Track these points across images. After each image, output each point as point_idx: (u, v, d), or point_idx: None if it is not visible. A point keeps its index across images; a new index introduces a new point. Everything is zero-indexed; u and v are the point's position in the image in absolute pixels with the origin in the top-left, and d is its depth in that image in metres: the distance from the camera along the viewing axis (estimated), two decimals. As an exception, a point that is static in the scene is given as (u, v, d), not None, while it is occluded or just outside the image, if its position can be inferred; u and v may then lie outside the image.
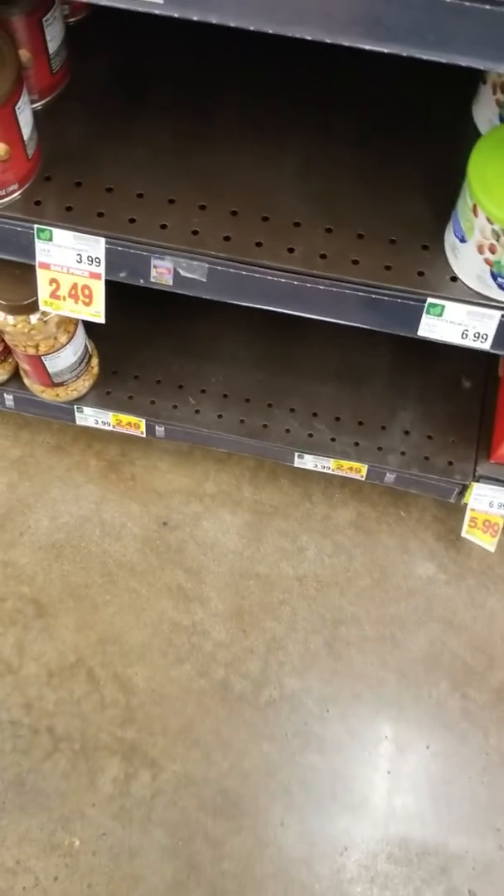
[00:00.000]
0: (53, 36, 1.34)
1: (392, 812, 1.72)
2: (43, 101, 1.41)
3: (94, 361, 1.82)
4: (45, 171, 1.34)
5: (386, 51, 0.88)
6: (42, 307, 1.42)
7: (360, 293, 1.28)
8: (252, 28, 0.89)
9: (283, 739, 1.78)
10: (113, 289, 1.37)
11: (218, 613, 1.90)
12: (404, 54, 0.88)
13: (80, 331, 1.69)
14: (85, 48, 1.45)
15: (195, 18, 0.89)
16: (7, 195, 1.30)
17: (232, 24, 0.89)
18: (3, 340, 1.72)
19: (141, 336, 1.88)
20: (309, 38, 0.89)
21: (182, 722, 1.79)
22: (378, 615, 1.90)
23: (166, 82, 1.46)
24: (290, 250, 1.29)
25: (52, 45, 1.35)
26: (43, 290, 1.39)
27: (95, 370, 1.83)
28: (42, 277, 1.37)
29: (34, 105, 1.36)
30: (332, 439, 1.79)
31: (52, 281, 1.37)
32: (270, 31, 0.89)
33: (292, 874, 1.66)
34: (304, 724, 1.79)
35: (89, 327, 1.73)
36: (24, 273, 1.48)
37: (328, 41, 0.89)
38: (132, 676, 1.83)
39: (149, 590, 1.92)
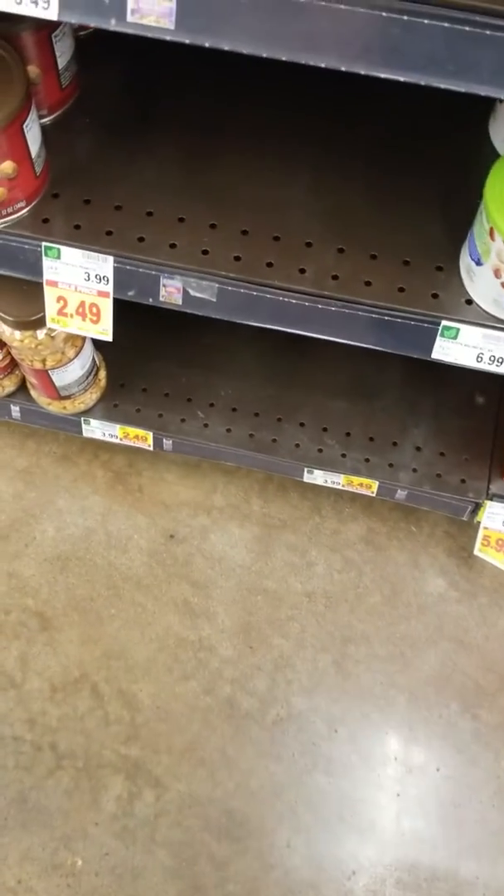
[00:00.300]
0: (63, 51, 1.31)
1: (401, 835, 1.69)
2: (52, 117, 1.38)
3: (102, 374, 1.79)
4: (54, 188, 1.32)
5: (403, 79, 0.85)
6: (49, 324, 1.39)
7: (372, 315, 1.25)
8: (265, 55, 0.87)
9: (290, 759, 1.76)
10: (121, 301, 1.35)
11: (225, 629, 1.87)
12: (422, 83, 0.85)
13: (88, 344, 1.67)
14: (94, 62, 1.42)
15: (207, 45, 0.87)
16: (15, 212, 1.28)
17: (245, 52, 0.86)
18: (9, 354, 1.69)
19: (149, 348, 1.86)
20: (323, 65, 0.86)
21: (187, 740, 1.77)
22: (388, 633, 1.87)
23: (176, 97, 1.44)
24: (302, 271, 1.26)
25: (62, 61, 1.32)
26: (50, 308, 1.37)
27: (103, 382, 1.80)
28: (49, 295, 1.35)
29: (42, 120, 1.34)
30: (343, 455, 1.77)
31: (60, 298, 1.35)
32: (284, 59, 0.86)
33: (298, 897, 1.64)
34: (311, 744, 1.77)
35: (97, 340, 1.71)
36: (32, 289, 1.46)
37: (343, 69, 0.86)
38: (137, 693, 1.81)
39: (155, 604, 1.90)
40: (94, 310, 1.35)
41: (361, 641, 1.87)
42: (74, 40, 1.34)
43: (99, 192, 1.32)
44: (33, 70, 1.27)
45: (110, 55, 1.46)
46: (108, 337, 1.38)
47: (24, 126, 1.20)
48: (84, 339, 1.63)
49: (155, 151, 1.37)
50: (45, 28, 1.26)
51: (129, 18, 0.86)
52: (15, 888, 1.63)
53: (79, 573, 1.93)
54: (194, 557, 1.95)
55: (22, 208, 1.29)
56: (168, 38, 0.87)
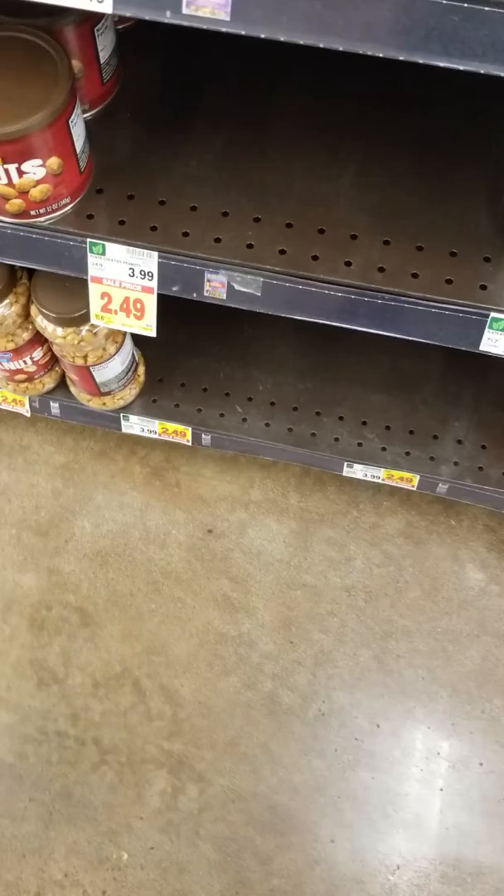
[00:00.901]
0: (105, 45, 1.31)
1: (445, 830, 1.69)
2: (93, 112, 1.38)
3: (141, 370, 1.79)
4: (97, 183, 1.32)
5: (462, 68, 0.84)
6: (93, 321, 1.39)
7: (419, 308, 1.24)
8: (322, 45, 0.86)
9: (333, 755, 1.75)
10: (159, 297, 1.34)
11: (265, 624, 1.87)
12: (482, 71, 0.84)
13: (128, 340, 1.66)
14: (134, 56, 1.42)
15: (262, 36, 0.86)
16: (59, 209, 1.28)
17: (301, 42, 0.85)
18: (50, 350, 1.70)
19: (187, 344, 1.86)
20: (381, 55, 0.85)
21: (229, 735, 1.77)
22: (429, 628, 1.86)
23: (217, 89, 1.43)
24: (348, 264, 1.25)
25: (104, 55, 1.32)
26: (94, 304, 1.37)
27: (142, 378, 1.80)
28: (94, 291, 1.35)
29: (84, 115, 1.33)
30: (383, 448, 1.76)
31: (104, 295, 1.35)
32: (340, 49, 0.85)
33: (343, 893, 1.64)
34: (353, 740, 1.76)
35: (136, 336, 1.71)
36: (74, 285, 1.46)
37: (402, 58, 0.85)
38: (178, 688, 1.81)
39: (194, 599, 1.90)
40: (139, 305, 1.35)
41: (402, 636, 1.86)
42: (115, 34, 1.34)
43: (142, 187, 1.32)
44: (76, 64, 1.27)
45: (149, 50, 1.46)
46: (152, 332, 1.38)
47: (70, 122, 1.19)
48: (124, 335, 1.63)
49: (197, 145, 1.36)
50: (87, 22, 1.25)
51: (185, 10, 0.86)
52: (62, 881, 1.64)
53: (118, 568, 1.93)
54: (233, 552, 1.95)
55: (66, 205, 1.29)
56: (223, 29, 0.86)
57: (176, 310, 1.50)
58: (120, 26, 1.44)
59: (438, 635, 1.86)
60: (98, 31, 1.28)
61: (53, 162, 1.21)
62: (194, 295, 1.32)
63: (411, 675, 1.82)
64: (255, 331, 1.88)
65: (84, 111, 1.35)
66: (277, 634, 1.86)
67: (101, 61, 1.33)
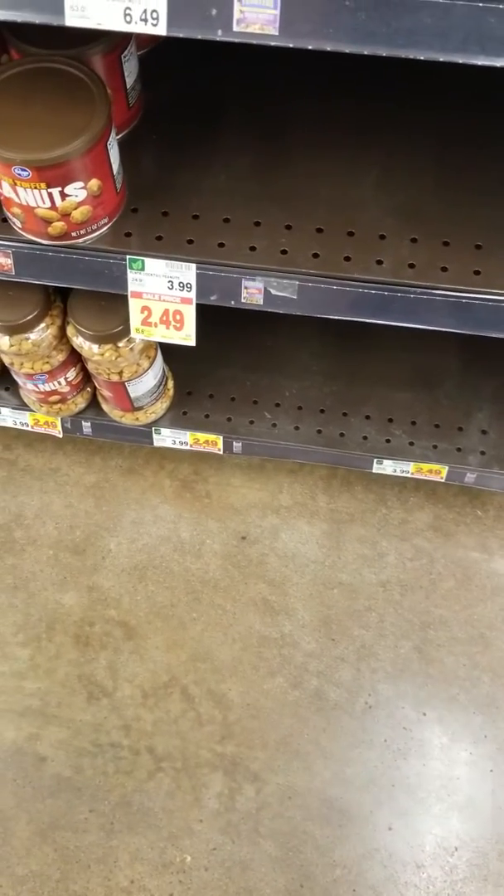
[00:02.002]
0: (130, 71, 1.38)
1: (499, 810, 1.73)
2: (121, 135, 1.44)
3: (170, 384, 1.85)
4: (132, 203, 1.38)
5: (500, 65, 0.90)
6: (133, 335, 1.45)
7: (450, 299, 1.30)
8: (366, 52, 0.92)
9: (383, 745, 1.79)
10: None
11: (305, 624, 1.91)
12: (519, 67, 0.90)
13: (159, 355, 1.72)
14: (155, 79, 1.48)
15: (310, 48, 0.92)
16: (98, 229, 1.34)
17: (346, 51, 0.92)
18: (83, 370, 1.75)
19: (212, 356, 1.91)
20: (422, 58, 0.91)
21: (280, 734, 1.80)
22: (465, 616, 1.91)
23: (237, 106, 1.50)
24: (379, 262, 1.31)
25: (130, 80, 1.39)
26: (135, 318, 1.42)
27: (171, 392, 1.86)
28: (134, 306, 1.40)
29: (115, 139, 1.39)
30: (411, 443, 1.81)
31: (144, 308, 1.40)
32: (384, 55, 0.92)
33: (405, 878, 1.67)
34: (402, 729, 1.81)
35: (163, 350, 1.76)
36: (109, 303, 1.52)
37: (441, 60, 0.91)
38: (226, 692, 1.85)
39: (234, 605, 1.94)
40: (178, 317, 1.41)
41: (440, 626, 1.91)
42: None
43: (175, 204, 1.38)
44: (107, 91, 1.33)
45: (168, 73, 1.53)
46: (192, 342, 1.44)
47: (108, 145, 1.25)
48: (156, 349, 1.69)
49: (224, 160, 1.42)
50: (115, 50, 1.32)
51: (235, 28, 0.92)
52: (129, 888, 1.67)
53: (157, 581, 1.97)
54: (267, 557, 1.99)
55: (105, 224, 1.34)
56: (272, 43, 0.92)
57: (198, 323, 1.56)
58: (139, 52, 1.51)
59: (475, 622, 1.91)
60: (125, 57, 1.34)
61: (94, 184, 1.26)
62: (232, 302, 1.38)
63: (452, 662, 1.87)
64: (277, 339, 1.93)
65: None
66: (318, 633, 1.90)
67: (128, 87, 1.39)
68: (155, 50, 1.54)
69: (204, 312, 1.42)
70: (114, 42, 1.31)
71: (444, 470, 1.80)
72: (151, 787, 1.76)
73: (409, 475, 1.85)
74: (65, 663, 1.89)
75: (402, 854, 1.70)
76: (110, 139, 1.26)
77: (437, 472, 1.81)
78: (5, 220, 1.35)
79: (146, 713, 1.83)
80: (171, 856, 1.70)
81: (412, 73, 1.47)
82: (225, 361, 1.92)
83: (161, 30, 0.94)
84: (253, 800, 1.75)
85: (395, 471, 1.84)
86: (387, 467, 1.83)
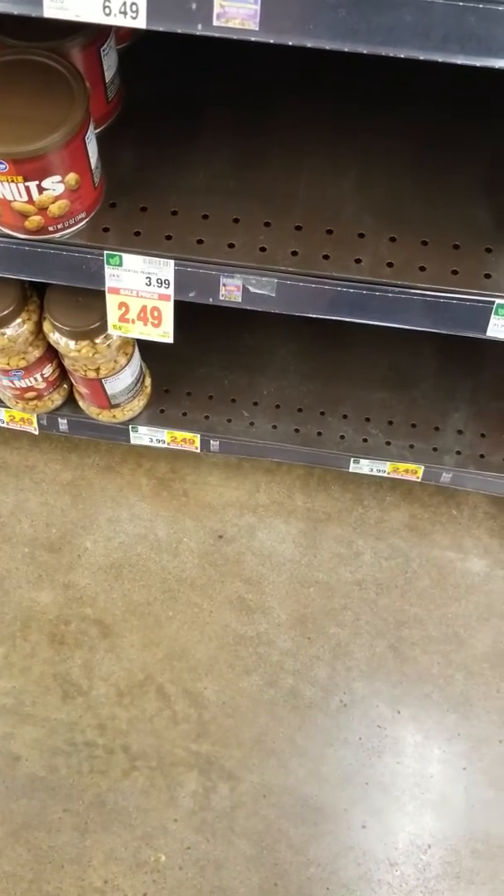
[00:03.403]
0: (110, 65, 1.37)
1: (472, 807, 1.74)
2: (99, 129, 1.43)
3: (148, 381, 1.84)
4: (110, 198, 1.37)
5: (479, 65, 0.91)
6: (111, 331, 1.44)
7: (428, 298, 1.30)
8: (346, 50, 0.92)
9: (358, 743, 1.80)
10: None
11: (281, 623, 1.91)
12: (497, 66, 0.91)
13: (137, 352, 1.71)
14: (134, 74, 1.47)
15: (290, 43, 0.92)
16: (76, 223, 1.33)
17: (327, 48, 0.92)
18: (59, 366, 1.74)
19: (190, 354, 1.91)
20: (402, 56, 0.91)
21: (255, 732, 1.80)
22: (440, 615, 1.92)
23: (217, 103, 1.49)
24: (358, 261, 1.31)
25: (108, 74, 1.38)
26: (112, 315, 1.41)
27: (149, 390, 1.85)
28: (111, 302, 1.39)
29: (93, 133, 1.38)
30: (387, 443, 1.82)
31: (122, 305, 1.40)
32: (364, 52, 0.92)
33: (379, 876, 1.68)
34: (376, 727, 1.81)
35: (141, 348, 1.76)
36: (86, 299, 1.51)
37: (421, 58, 0.91)
38: (202, 690, 1.85)
39: (210, 603, 1.94)
40: (156, 313, 1.40)
41: (415, 624, 1.91)
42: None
43: (154, 199, 1.37)
44: (85, 85, 1.32)
45: (147, 68, 1.52)
46: (170, 339, 1.43)
47: (86, 138, 1.25)
48: (134, 346, 1.68)
49: (203, 156, 1.42)
50: (94, 43, 1.31)
51: (215, 23, 0.91)
52: (102, 888, 1.66)
53: (133, 579, 1.96)
54: (244, 555, 1.99)
55: (82, 219, 1.34)
56: (252, 38, 0.92)
57: (177, 321, 1.55)
58: (118, 46, 1.50)
59: (449, 621, 1.92)
60: (104, 51, 1.34)
61: (71, 178, 1.26)
62: (210, 300, 1.37)
63: (426, 661, 1.88)
64: (255, 338, 1.93)
65: (92, 129, 1.40)
66: (294, 631, 1.90)
67: (107, 80, 1.38)
68: (135, 45, 1.53)
69: (182, 310, 1.41)
70: (93, 35, 1.30)
71: (421, 470, 1.81)
72: (126, 787, 1.75)
73: (385, 475, 1.85)
74: (39, 662, 1.87)
75: (375, 852, 1.70)
76: (88, 133, 1.25)
77: (413, 471, 1.81)
78: (-19, 213, 1.34)
79: (121, 712, 1.83)
80: (145, 855, 1.70)
81: (392, 72, 1.48)
82: (203, 360, 1.92)
83: (140, 23, 0.93)
84: (227, 798, 1.74)
85: (372, 470, 1.84)
86: (364, 467, 1.84)
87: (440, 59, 0.91)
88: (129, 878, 1.68)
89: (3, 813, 1.72)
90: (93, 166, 1.30)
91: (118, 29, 1.48)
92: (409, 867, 1.69)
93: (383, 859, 1.70)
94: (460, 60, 0.91)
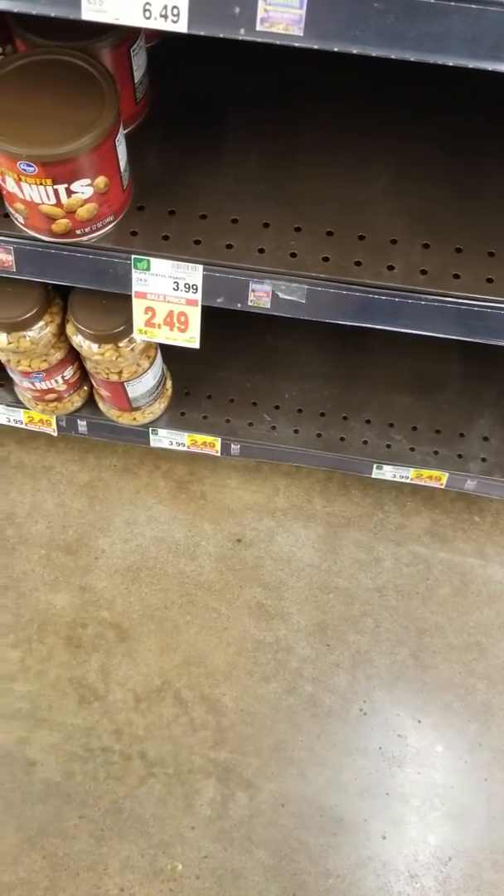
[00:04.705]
0: (139, 65, 1.34)
1: (493, 819, 1.72)
2: (127, 130, 1.40)
3: (168, 384, 1.82)
4: (138, 201, 1.35)
5: (530, 73, 0.88)
6: (136, 335, 1.42)
7: (462, 307, 1.28)
8: (393, 56, 0.89)
9: (377, 753, 1.78)
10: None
11: (300, 629, 1.89)
12: (549, 75, 0.88)
13: (159, 355, 1.69)
14: (162, 74, 1.44)
15: (335, 49, 0.90)
16: (104, 227, 1.30)
17: (373, 55, 0.89)
18: (80, 368, 1.71)
19: (211, 357, 1.87)
20: (451, 64, 0.89)
21: (274, 740, 1.78)
22: (461, 623, 1.90)
23: (246, 104, 1.47)
24: (391, 268, 1.29)
25: (138, 74, 1.35)
26: (138, 319, 1.39)
27: (169, 392, 1.83)
28: (138, 306, 1.37)
29: (121, 134, 1.36)
30: (411, 449, 1.79)
31: (148, 310, 1.37)
32: (412, 59, 0.89)
33: (399, 887, 1.66)
34: (397, 737, 1.79)
35: (161, 350, 1.73)
36: (110, 302, 1.49)
37: (471, 66, 0.89)
38: (220, 697, 1.83)
39: (229, 608, 1.92)
40: (183, 319, 1.38)
41: (436, 633, 1.89)
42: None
43: (182, 203, 1.35)
44: (114, 86, 1.30)
45: (175, 68, 1.49)
46: (196, 344, 1.41)
47: (116, 141, 1.22)
48: (156, 350, 1.66)
49: (231, 159, 1.40)
50: (124, 43, 1.29)
51: (259, 28, 0.89)
52: (119, 897, 1.65)
53: (151, 583, 1.94)
54: (263, 560, 1.97)
55: (110, 223, 1.31)
56: (297, 44, 0.90)
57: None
58: (147, 45, 1.47)
59: (471, 629, 1.90)
60: (133, 51, 1.31)
61: (101, 181, 1.23)
62: (238, 305, 1.35)
63: (448, 669, 1.86)
64: (277, 341, 1.91)
65: (120, 130, 1.37)
66: (314, 638, 1.88)
67: (136, 81, 1.36)
68: (162, 44, 1.51)
69: (203, 312, 1.39)
70: (124, 35, 1.27)
71: (445, 476, 1.78)
72: (143, 794, 1.74)
73: (408, 481, 1.83)
74: (56, 665, 1.85)
75: (395, 863, 1.68)
76: (119, 135, 1.23)
77: (437, 478, 1.79)
78: (7, 215, 1.32)
79: (138, 717, 1.81)
80: (162, 863, 1.68)
81: (424, 75, 1.44)
82: (224, 362, 1.89)
83: (182, 27, 0.90)
84: (246, 807, 1.72)
85: (395, 476, 1.82)
86: (387, 473, 1.81)
87: (490, 68, 0.88)
88: (146, 886, 1.66)
89: (19, 819, 1.71)
90: (122, 169, 1.27)
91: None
92: (429, 879, 1.67)
93: (403, 871, 1.68)
94: (511, 69, 0.88)
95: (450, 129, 1.43)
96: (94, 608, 1.92)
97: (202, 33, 0.91)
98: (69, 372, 1.70)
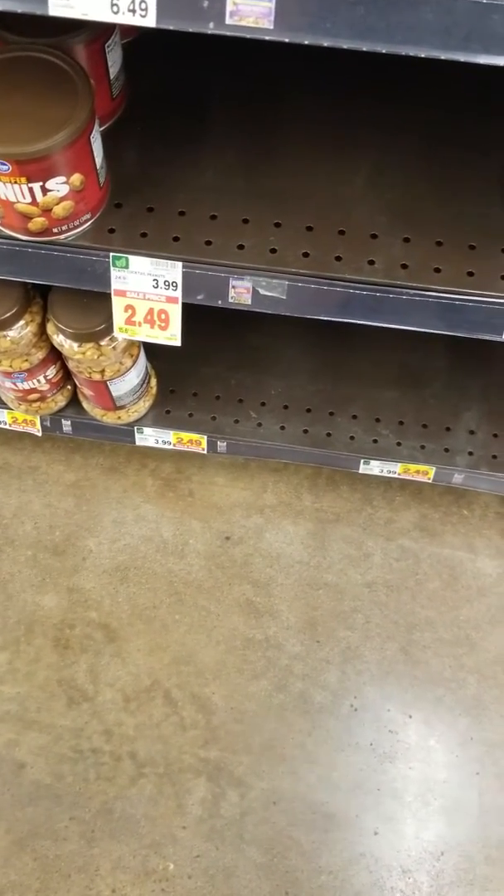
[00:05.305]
0: (114, 61, 1.33)
1: (485, 813, 1.71)
2: (104, 127, 1.39)
3: (153, 382, 1.81)
4: (115, 198, 1.33)
5: (503, 64, 0.87)
6: (116, 334, 1.40)
7: (443, 301, 1.27)
8: (364, 49, 0.88)
9: (369, 749, 1.77)
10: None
11: (290, 626, 1.89)
12: (522, 65, 0.87)
13: (143, 353, 1.68)
14: (139, 70, 1.43)
15: (306, 42, 0.88)
16: (80, 225, 1.29)
17: (344, 47, 0.88)
18: (63, 368, 1.70)
19: (196, 354, 1.87)
20: (423, 55, 0.88)
21: (265, 738, 1.78)
22: (451, 617, 1.89)
23: (225, 99, 1.45)
24: (371, 262, 1.28)
25: (113, 70, 1.34)
26: (118, 318, 1.38)
27: (154, 390, 1.81)
28: (118, 305, 1.36)
29: (97, 131, 1.34)
30: (398, 444, 1.78)
31: (128, 308, 1.36)
32: (383, 52, 0.88)
33: (391, 883, 1.66)
34: (388, 732, 1.78)
35: (145, 348, 1.72)
36: (91, 301, 1.47)
37: (443, 58, 0.88)
38: (210, 696, 1.82)
39: (218, 606, 1.91)
40: (163, 316, 1.37)
41: (426, 627, 1.89)
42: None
43: (161, 200, 1.33)
44: (89, 82, 1.28)
45: (152, 64, 1.48)
46: (177, 342, 1.40)
47: (91, 137, 1.21)
48: (139, 348, 1.64)
49: (210, 155, 1.38)
50: (98, 39, 1.27)
51: (228, 21, 0.87)
52: (111, 898, 1.64)
53: (139, 582, 1.93)
54: (252, 557, 1.96)
55: (87, 220, 1.30)
56: (267, 37, 0.88)
57: (181, 321, 1.52)
58: (123, 40, 1.45)
59: (461, 623, 1.89)
60: (108, 47, 1.29)
61: (76, 178, 1.22)
62: (219, 302, 1.34)
63: (438, 664, 1.85)
64: (262, 337, 1.90)
65: (96, 127, 1.36)
66: (304, 635, 1.88)
67: (111, 77, 1.34)
68: (139, 39, 1.49)
69: (187, 309, 1.37)
70: (97, 31, 1.25)
71: (432, 471, 1.77)
72: (133, 794, 1.73)
73: (396, 476, 1.82)
74: (44, 667, 1.85)
75: (388, 859, 1.68)
76: (94, 132, 1.21)
77: (424, 472, 1.78)
78: (-17, 215, 1.30)
79: (128, 718, 1.80)
80: (153, 864, 1.67)
81: (403, 69, 1.43)
82: (209, 359, 1.88)
83: (150, 21, 0.89)
84: (237, 805, 1.72)
85: (383, 471, 1.81)
86: (374, 468, 1.80)
87: (462, 59, 0.87)
88: (138, 886, 1.65)
89: (9, 821, 1.70)
90: (98, 166, 1.26)
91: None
92: (422, 874, 1.67)
93: (396, 866, 1.67)
94: (483, 60, 0.87)
95: (429, 122, 1.42)
96: (83, 609, 1.91)
97: (171, 27, 0.90)
98: (51, 371, 1.68)
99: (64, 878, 1.66)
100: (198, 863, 1.67)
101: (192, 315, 1.40)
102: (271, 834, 1.70)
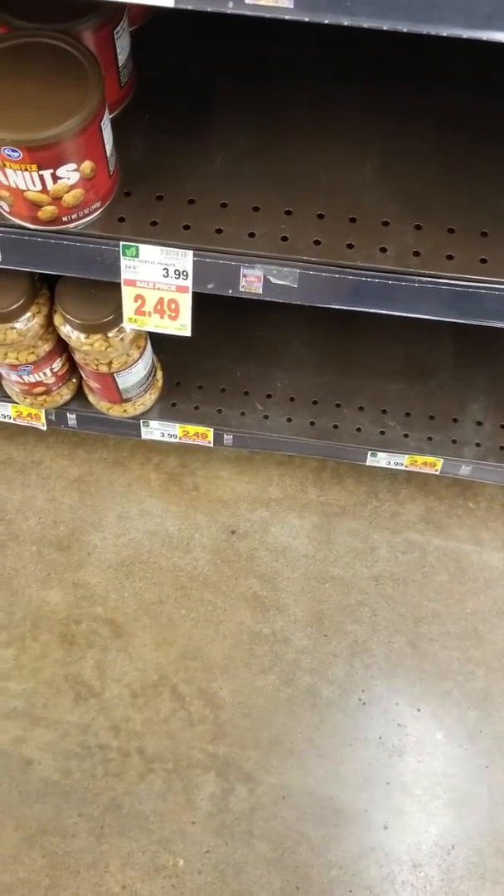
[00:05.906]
0: (123, 48, 1.32)
1: (495, 806, 1.70)
2: (112, 115, 1.37)
3: (159, 374, 1.79)
4: (125, 186, 1.32)
5: (526, 42, 0.86)
6: (126, 324, 1.39)
7: (456, 289, 1.26)
8: (385, 28, 0.87)
9: (377, 742, 1.76)
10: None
11: (297, 620, 1.88)
12: (545, 45, 0.86)
13: (149, 345, 1.66)
14: (147, 57, 1.42)
15: (326, 21, 0.87)
16: (90, 213, 1.28)
17: (365, 26, 0.87)
18: (69, 360, 1.69)
19: (201, 346, 1.86)
20: (445, 34, 0.87)
21: (273, 733, 1.77)
22: (458, 610, 1.88)
23: (233, 86, 1.44)
24: (383, 250, 1.27)
25: (122, 58, 1.33)
26: (128, 307, 1.36)
27: (160, 383, 1.80)
28: (127, 294, 1.34)
29: (106, 119, 1.33)
30: (405, 435, 1.78)
31: (138, 297, 1.35)
32: (405, 31, 0.87)
33: (402, 877, 1.65)
34: (396, 726, 1.78)
35: (151, 340, 1.71)
36: (99, 292, 1.46)
37: (465, 37, 0.87)
38: (217, 691, 1.81)
39: (224, 601, 1.90)
40: (173, 306, 1.35)
41: (433, 620, 1.88)
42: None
43: (170, 188, 1.32)
44: (99, 69, 1.27)
45: (160, 51, 1.47)
46: (187, 332, 1.38)
47: (102, 124, 1.19)
48: (146, 339, 1.63)
49: (219, 142, 1.37)
50: (107, 25, 1.26)
51: (248, 0, 0.86)
52: (120, 894, 1.63)
53: (145, 577, 1.92)
54: (258, 551, 1.95)
55: (97, 209, 1.28)
56: (287, 17, 0.87)
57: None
58: (131, 27, 1.44)
59: (468, 616, 1.88)
60: (117, 34, 1.28)
61: (87, 166, 1.20)
62: (230, 291, 1.33)
63: (446, 657, 1.84)
64: (268, 328, 1.89)
65: (105, 115, 1.35)
66: (311, 629, 1.87)
67: (120, 64, 1.33)
68: (147, 26, 1.48)
69: (192, 301, 1.36)
70: (106, 16, 1.24)
71: (440, 462, 1.77)
72: (142, 790, 1.72)
73: (403, 468, 1.81)
74: (50, 663, 1.83)
75: (398, 853, 1.67)
76: (104, 119, 1.20)
77: (431, 464, 1.77)
78: (-9, 204, 1.29)
79: (135, 713, 1.79)
80: (163, 860, 1.66)
81: (414, 53, 1.43)
82: (215, 352, 1.87)
83: (169, 1, 0.88)
84: (246, 800, 1.71)
85: (390, 463, 1.80)
86: (381, 460, 1.80)
87: (485, 38, 0.86)
88: (148, 883, 1.64)
89: (17, 818, 1.68)
90: (108, 154, 1.25)
91: (130, 9, 1.43)
92: (432, 868, 1.66)
93: (406, 860, 1.66)
94: (507, 38, 0.86)
95: (440, 108, 1.41)
96: (88, 604, 1.90)
97: (189, 7, 0.89)
98: (58, 364, 1.67)
99: (73, 874, 1.65)
100: (207, 858, 1.66)
101: (197, 307, 1.39)
102: (281, 829, 1.68)
